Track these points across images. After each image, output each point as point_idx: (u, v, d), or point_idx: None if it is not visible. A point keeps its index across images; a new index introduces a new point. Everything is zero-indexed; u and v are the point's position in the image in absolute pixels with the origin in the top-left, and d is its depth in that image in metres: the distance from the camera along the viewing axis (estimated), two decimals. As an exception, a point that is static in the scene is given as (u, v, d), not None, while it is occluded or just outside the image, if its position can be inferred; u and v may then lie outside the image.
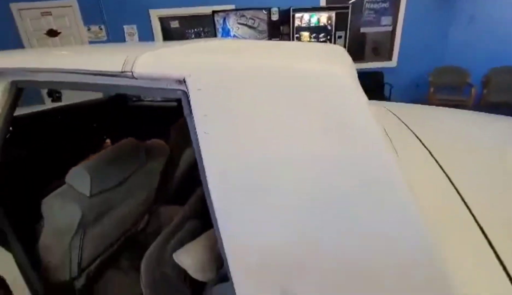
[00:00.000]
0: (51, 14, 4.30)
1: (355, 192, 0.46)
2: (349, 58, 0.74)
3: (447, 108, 1.55)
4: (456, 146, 1.01)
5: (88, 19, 4.26)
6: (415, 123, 1.16)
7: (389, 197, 0.45)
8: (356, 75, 0.54)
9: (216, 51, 0.63)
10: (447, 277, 0.44)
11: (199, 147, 0.54)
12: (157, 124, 1.45)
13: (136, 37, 4.34)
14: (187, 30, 4.41)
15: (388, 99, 3.84)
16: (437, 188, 0.74)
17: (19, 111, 1.23)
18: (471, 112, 1.48)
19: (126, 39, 4.34)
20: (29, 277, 0.92)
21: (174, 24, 4.39)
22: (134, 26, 4.28)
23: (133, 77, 0.59)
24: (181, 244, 0.83)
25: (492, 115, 1.40)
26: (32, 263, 0.93)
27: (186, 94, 0.56)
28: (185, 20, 4.32)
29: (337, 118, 0.46)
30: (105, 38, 4.35)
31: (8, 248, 0.91)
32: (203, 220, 0.93)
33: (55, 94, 1.40)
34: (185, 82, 0.56)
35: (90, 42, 4.37)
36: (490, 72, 3.66)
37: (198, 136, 0.54)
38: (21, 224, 0.95)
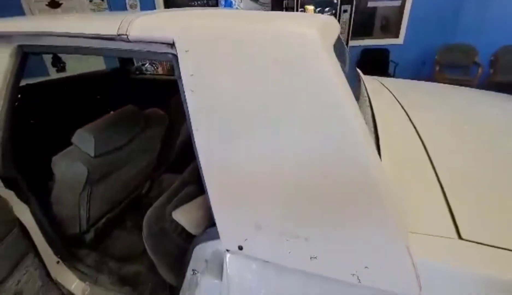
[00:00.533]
0: (52, -16, 4.23)
1: (311, 125, 0.53)
2: (334, 27, 0.78)
3: (440, 84, 1.59)
4: (437, 111, 1.13)
5: (90, -11, 4.18)
6: (401, 93, 1.22)
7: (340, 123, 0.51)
8: (341, 44, 0.58)
9: (203, 16, 0.67)
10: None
11: (187, 104, 0.60)
12: (158, 97, 1.51)
13: (138, 9, 4.28)
14: (191, 2, 4.31)
15: (392, 76, 3.78)
16: (405, 138, 0.88)
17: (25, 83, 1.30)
18: (465, 88, 1.53)
19: (128, 10, 4.28)
20: (45, 228, 1.03)
21: (178, -4, 4.29)
22: (137, -3, 4.20)
23: (128, 40, 0.65)
24: (179, 204, 0.92)
25: (482, 90, 1.45)
26: (47, 216, 1.04)
27: (175, 56, 0.62)
28: (187, -9, 4.21)
29: (299, 70, 0.52)
30: (106, 10, 4.30)
31: (26, 201, 1.01)
32: (199, 186, 1.01)
33: (59, 64, 1.45)
34: (174, 44, 0.61)
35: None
36: (499, 51, 3.56)
37: (186, 94, 0.60)
38: (36, 181, 1.05)
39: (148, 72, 2.89)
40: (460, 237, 0.55)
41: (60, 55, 1.24)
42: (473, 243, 0.53)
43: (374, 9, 4.07)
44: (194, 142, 0.60)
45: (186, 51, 0.60)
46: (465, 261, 0.51)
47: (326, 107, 0.51)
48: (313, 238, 0.55)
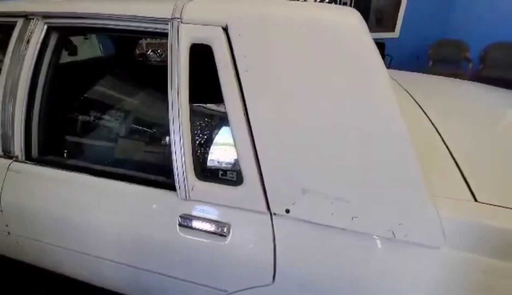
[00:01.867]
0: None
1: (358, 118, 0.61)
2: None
3: (438, 76, 1.72)
4: (443, 102, 1.23)
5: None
6: (406, 83, 1.34)
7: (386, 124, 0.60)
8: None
9: (254, 3, 0.73)
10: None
11: (240, 82, 0.67)
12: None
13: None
14: None
15: (387, 68, 3.90)
16: (421, 127, 0.96)
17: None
18: (459, 80, 1.68)
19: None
20: None
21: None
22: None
23: (182, 23, 0.70)
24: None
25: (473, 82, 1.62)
26: None
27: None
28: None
29: (348, 55, 0.60)
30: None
31: None
32: None
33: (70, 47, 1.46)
34: (227, 28, 0.67)
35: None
36: (487, 47, 3.73)
37: (240, 73, 0.66)
38: None
39: (152, 59, 2.90)
40: (475, 200, 0.65)
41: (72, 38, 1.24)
42: (486, 204, 0.64)
43: (369, 2, 4.15)
44: (246, 117, 0.67)
45: (239, 35, 0.66)
46: (480, 217, 0.61)
47: (367, 80, 0.60)
48: (354, 200, 0.63)
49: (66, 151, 0.99)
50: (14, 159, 0.93)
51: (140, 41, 2.75)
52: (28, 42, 0.87)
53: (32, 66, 0.88)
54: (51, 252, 0.96)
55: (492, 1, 3.65)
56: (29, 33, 0.87)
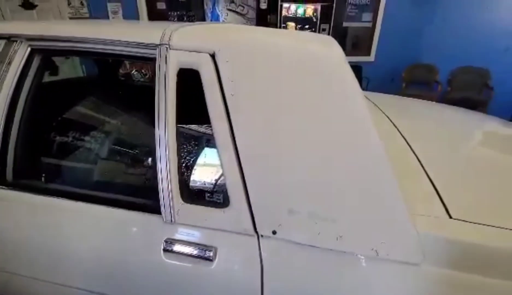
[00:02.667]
0: (27, -15, 4.06)
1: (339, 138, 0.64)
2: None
3: (414, 99, 1.86)
4: (414, 121, 1.33)
5: (69, -7, 4.08)
6: (384, 105, 1.42)
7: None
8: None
9: (239, 32, 0.77)
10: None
11: (226, 105, 0.69)
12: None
13: (120, 15, 4.23)
14: (170, 12, 4.37)
15: (365, 90, 4.12)
16: (396, 147, 1.02)
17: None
18: (430, 102, 1.82)
19: (110, 17, 4.22)
20: None
21: (160, 6, 4.33)
22: (119, 4, 4.17)
23: (170, 49, 0.72)
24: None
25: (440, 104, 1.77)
26: None
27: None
28: (172, 2, 4.27)
29: (328, 82, 0.64)
30: (87, 15, 4.20)
31: None
32: None
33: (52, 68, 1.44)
34: (214, 55, 0.70)
35: (71, 18, 4.20)
36: (454, 71, 4.06)
37: (226, 97, 0.68)
38: None
39: (135, 79, 2.90)
40: (450, 217, 0.69)
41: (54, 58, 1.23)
42: (460, 221, 0.68)
43: (346, 28, 4.44)
44: (232, 139, 0.69)
45: (226, 61, 0.69)
46: (454, 234, 0.65)
47: (348, 108, 0.64)
48: (339, 220, 0.65)
49: (44, 174, 0.95)
50: None
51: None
52: (9, 63, 0.86)
53: (13, 87, 0.86)
54: (24, 284, 0.90)
55: (459, 29, 4.02)
56: (12, 55, 0.86)
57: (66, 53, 0.91)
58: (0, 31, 0.88)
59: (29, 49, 0.87)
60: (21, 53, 0.86)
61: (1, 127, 0.86)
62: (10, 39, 0.87)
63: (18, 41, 0.87)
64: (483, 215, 0.70)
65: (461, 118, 1.49)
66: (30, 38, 0.86)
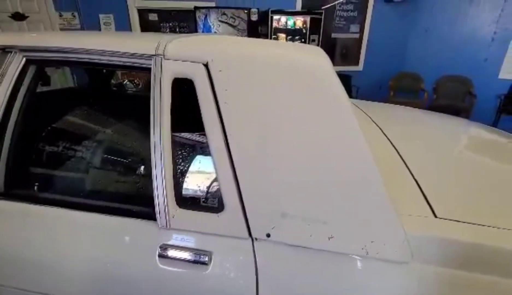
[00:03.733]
0: (17, -4, 4.06)
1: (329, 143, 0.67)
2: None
3: (400, 106, 1.92)
4: (400, 126, 1.38)
5: (60, 4, 4.09)
6: (371, 112, 1.47)
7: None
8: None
9: (231, 43, 0.80)
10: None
11: (220, 113, 0.71)
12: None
13: (112, 27, 4.26)
14: (162, 23, 4.43)
15: (355, 98, 4.23)
16: (384, 150, 1.05)
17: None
18: (415, 108, 1.89)
19: (102, 29, 4.24)
20: None
21: (153, 17, 4.39)
22: (111, 16, 4.20)
23: (164, 59, 0.75)
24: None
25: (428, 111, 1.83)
26: None
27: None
28: (164, 14, 4.34)
29: (316, 90, 0.68)
30: (78, 26, 4.21)
31: None
32: None
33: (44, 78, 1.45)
34: (207, 65, 0.73)
35: (62, 30, 4.20)
36: (439, 79, 4.22)
37: (220, 105, 0.71)
38: None
39: (128, 88, 2.91)
40: (435, 216, 0.72)
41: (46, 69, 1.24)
42: (444, 220, 0.71)
43: (335, 39, 4.58)
44: (226, 145, 0.71)
45: (219, 71, 0.72)
46: (439, 232, 0.68)
47: (335, 115, 0.67)
48: (330, 221, 0.68)
49: (37, 184, 0.95)
50: None
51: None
52: (3, 74, 0.87)
53: (6, 98, 0.86)
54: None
55: (441, 39, 4.20)
56: (6, 66, 0.87)
57: (61, 63, 0.93)
58: (-6, 42, 0.89)
59: (23, 59, 0.88)
60: (15, 64, 0.87)
61: None
62: (4, 50, 0.88)
63: (13, 52, 0.88)
64: (467, 214, 0.74)
65: (445, 123, 1.56)
66: (24, 49, 0.87)
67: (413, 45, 4.43)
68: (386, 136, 1.19)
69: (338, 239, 0.68)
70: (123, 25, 4.23)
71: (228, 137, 0.71)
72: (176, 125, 0.77)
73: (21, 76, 0.89)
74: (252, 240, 0.72)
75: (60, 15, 4.16)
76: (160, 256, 0.75)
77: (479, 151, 1.19)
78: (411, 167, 0.94)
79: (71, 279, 0.82)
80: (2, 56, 0.88)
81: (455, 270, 0.67)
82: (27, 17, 4.15)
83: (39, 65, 0.92)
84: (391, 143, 1.13)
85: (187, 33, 4.40)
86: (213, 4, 4.00)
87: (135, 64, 0.80)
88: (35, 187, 0.93)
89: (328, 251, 0.69)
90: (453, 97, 4.06)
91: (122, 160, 1.13)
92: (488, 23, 3.89)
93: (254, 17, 3.90)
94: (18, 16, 4.13)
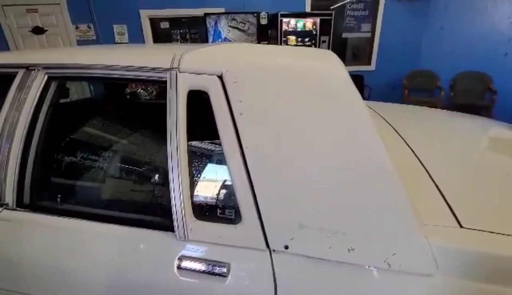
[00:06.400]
0: (37, 12, 4.25)
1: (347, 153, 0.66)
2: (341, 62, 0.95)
3: (415, 106, 1.87)
4: (419, 129, 1.34)
5: (76, 17, 4.26)
6: (387, 114, 1.44)
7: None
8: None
9: (243, 52, 0.80)
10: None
11: (235, 124, 0.71)
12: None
13: (126, 36, 4.39)
14: (174, 30, 4.52)
15: (367, 100, 4.16)
16: (403, 156, 1.02)
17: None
18: (433, 109, 1.83)
19: (116, 39, 4.37)
20: None
21: (164, 25, 4.48)
22: (125, 26, 4.33)
23: (179, 72, 0.76)
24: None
25: (447, 111, 1.76)
26: None
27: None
28: (175, 21, 4.42)
29: (332, 97, 0.67)
30: (94, 37, 4.36)
31: None
32: None
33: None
34: (222, 76, 0.74)
35: (78, 41, 4.37)
36: (456, 76, 4.08)
37: (235, 116, 0.71)
38: None
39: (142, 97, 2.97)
40: (461, 226, 0.69)
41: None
42: (471, 230, 0.68)
43: (346, 39, 4.52)
44: (242, 157, 0.71)
45: (234, 82, 0.73)
46: (466, 243, 0.65)
47: (353, 124, 0.66)
48: (350, 232, 0.66)
49: (59, 196, 0.98)
50: (4, 206, 0.91)
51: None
52: (28, 91, 0.91)
53: (31, 114, 0.90)
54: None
55: (457, 35, 4.08)
56: (30, 83, 0.90)
57: (81, 79, 0.96)
58: (19, 61, 0.94)
59: (46, 77, 0.92)
60: (38, 81, 0.91)
61: (20, 153, 0.89)
62: (28, 68, 0.92)
63: (36, 70, 0.92)
64: (494, 223, 0.70)
65: (466, 125, 1.50)
66: (47, 67, 0.91)
67: (427, 43, 4.31)
68: (404, 140, 1.16)
69: (359, 251, 0.66)
70: (136, 34, 4.34)
71: (244, 149, 0.71)
72: (192, 137, 0.78)
73: (44, 93, 0.92)
74: (270, 251, 0.72)
75: (77, 28, 4.31)
76: (179, 267, 0.75)
77: (506, 154, 1.14)
78: (432, 173, 0.91)
79: (91, 289, 0.84)
80: (26, 74, 0.92)
81: (482, 284, 0.64)
82: (46, 30, 4.34)
83: (60, 81, 0.96)
84: (410, 148, 1.10)
85: (197, 39, 4.47)
86: (222, 10, 4.05)
87: (151, 78, 0.82)
88: (57, 199, 0.97)
89: (348, 263, 0.67)
90: (471, 95, 3.92)
91: (140, 172, 1.16)
92: (507, 15, 3.75)
93: (263, 21, 3.92)
94: (38, 30, 4.32)
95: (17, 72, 0.93)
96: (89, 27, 4.32)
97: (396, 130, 1.28)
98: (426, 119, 1.61)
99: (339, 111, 0.67)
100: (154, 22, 4.41)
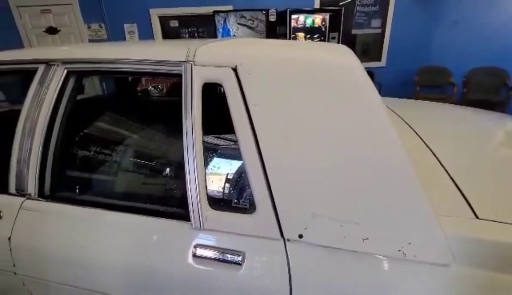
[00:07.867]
0: (50, 12, 4.36)
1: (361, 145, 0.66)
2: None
3: (428, 102, 1.84)
4: (432, 124, 1.33)
5: (88, 17, 4.34)
6: (400, 109, 1.42)
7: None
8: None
9: (257, 45, 0.81)
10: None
11: (250, 116, 0.72)
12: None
13: (136, 35, 4.45)
14: (182, 29, 4.55)
15: (378, 96, 4.09)
16: (417, 149, 1.01)
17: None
18: (446, 104, 1.80)
19: (127, 38, 4.44)
20: None
21: (174, 24, 4.52)
22: (135, 25, 4.39)
23: (194, 65, 0.77)
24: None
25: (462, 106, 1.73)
26: None
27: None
28: (184, 19, 4.46)
29: (346, 90, 0.67)
30: (105, 36, 4.44)
31: None
32: None
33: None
34: (236, 69, 0.75)
35: (90, 40, 4.46)
36: (469, 72, 3.98)
37: (250, 108, 0.72)
38: None
39: (153, 94, 3.02)
40: (477, 217, 0.69)
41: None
42: (487, 221, 0.67)
43: (355, 35, 4.47)
44: (256, 147, 0.72)
45: (248, 74, 0.74)
46: (482, 233, 0.65)
47: (368, 114, 0.66)
48: (364, 222, 0.66)
49: (78, 186, 1.01)
50: (27, 196, 0.95)
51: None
52: (48, 86, 0.94)
53: (51, 108, 0.93)
54: (59, 292, 0.95)
55: (471, 30, 3.98)
56: (50, 78, 0.94)
57: (99, 73, 0.99)
58: (40, 56, 0.97)
59: (65, 71, 0.95)
60: (58, 76, 0.94)
61: (41, 145, 0.93)
62: (48, 63, 0.96)
63: (56, 65, 0.95)
64: (510, 215, 0.69)
65: (480, 119, 1.47)
66: (66, 62, 0.94)
67: (440, 38, 4.21)
68: (418, 135, 1.15)
69: (373, 240, 0.66)
70: (146, 33, 4.40)
71: (259, 139, 0.72)
72: (208, 128, 0.79)
73: (63, 87, 0.96)
74: (284, 240, 0.73)
75: (89, 27, 4.40)
76: (195, 255, 0.77)
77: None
78: (446, 166, 0.90)
79: (110, 275, 0.87)
80: (47, 69, 0.95)
81: (498, 273, 0.63)
82: (59, 30, 4.44)
83: (79, 75, 0.99)
84: (424, 142, 1.09)
85: (205, 37, 4.50)
86: (231, 8, 4.06)
87: (166, 71, 0.83)
88: (77, 190, 1.00)
89: (363, 252, 0.67)
90: (486, 90, 3.82)
91: (157, 163, 1.18)
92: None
93: (272, 18, 3.91)
94: (52, 30, 4.43)
95: (38, 68, 0.97)
96: (101, 27, 4.40)
97: (408, 124, 1.26)
98: (440, 113, 1.59)
99: (353, 102, 0.67)
100: (163, 21, 4.46)
